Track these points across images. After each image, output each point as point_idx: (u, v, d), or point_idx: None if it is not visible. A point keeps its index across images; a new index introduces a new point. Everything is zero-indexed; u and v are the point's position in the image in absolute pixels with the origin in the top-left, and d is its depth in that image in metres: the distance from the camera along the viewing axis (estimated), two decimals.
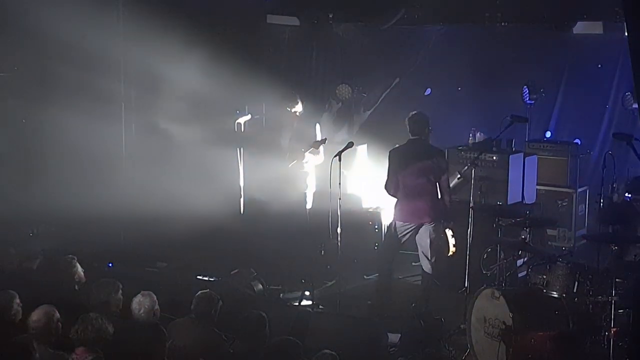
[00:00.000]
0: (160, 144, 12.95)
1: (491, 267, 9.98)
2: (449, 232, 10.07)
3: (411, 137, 9.93)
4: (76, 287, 8.40)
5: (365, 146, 12.74)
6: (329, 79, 14.66)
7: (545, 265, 8.42)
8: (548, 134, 13.14)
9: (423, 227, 9.81)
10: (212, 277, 10.69)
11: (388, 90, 14.05)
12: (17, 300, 7.33)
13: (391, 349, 8.73)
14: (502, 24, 12.81)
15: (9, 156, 11.40)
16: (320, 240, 10.99)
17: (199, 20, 12.66)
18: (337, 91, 14.07)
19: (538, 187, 11.52)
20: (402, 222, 9.87)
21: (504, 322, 7.87)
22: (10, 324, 7.18)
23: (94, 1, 11.75)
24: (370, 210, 12.08)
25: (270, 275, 10.59)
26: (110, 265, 10.91)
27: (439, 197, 9.78)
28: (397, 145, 10.17)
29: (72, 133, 11.56)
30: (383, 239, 10.38)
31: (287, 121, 11.59)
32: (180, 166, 12.74)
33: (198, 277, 10.75)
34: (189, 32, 12.15)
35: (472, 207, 9.45)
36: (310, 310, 9.88)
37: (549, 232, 11.51)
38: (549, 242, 11.45)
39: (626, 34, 5.88)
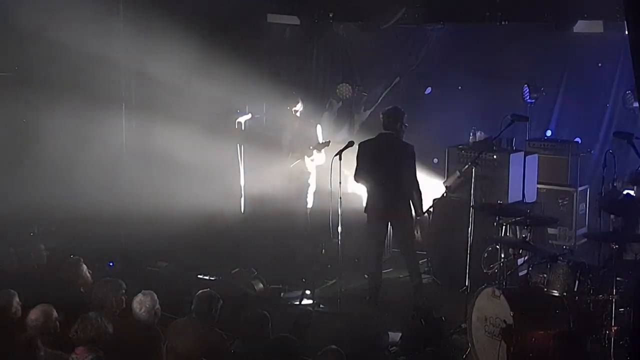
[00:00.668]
0: (161, 144, 12.94)
1: (492, 266, 9.98)
2: (419, 227, 10.21)
3: (383, 131, 10.03)
4: (82, 289, 8.39)
5: (358, 144, 12.72)
6: (329, 78, 14.67)
7: (545, 264, 8.43)
8: (549, 133, 13.13)
9: (394, 222, 9.93)
10: (212, 276, 10.70)
11: (389, 89, 14.05)
12: (17, 299, 7.33)
13: (392, 348, 8.72)
14: (503, 22, 12.83)
15: (9, 156, 11.38)
16: (320, 239, 11.01)
17: (199, 19, 12.66)
18: (337, 90, 14.08)
19: (539, 186, 11.52)
20: (374, 220, 10.02)
21: (504, 321, 7.86)
22: (10, 323, 7.17)
23: (95, 1, 11.75)
24: None
25: (270, 275, 10.60)
26: (110, 264, 10.91)
27: (408, 191, 9.89)
28: (367, 139, 10.28)
29: (72, 133, 11.56)
30: (367, 239, 10.43)
31: (288, 121, 11.59)
32: (180, 165, 12.74)
33: (199, 276, 10.76)
34: (190, 31, 12.15)
35: (472, 206, 9.45)
36: (311, 309, 9.89)
37: (550, 231, 11.50)
38: (550, 241, 11.45)
39: (627, 32, 5.88)
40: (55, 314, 7.02)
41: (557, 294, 8.17)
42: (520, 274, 9.30)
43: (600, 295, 8.05)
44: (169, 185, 12.52)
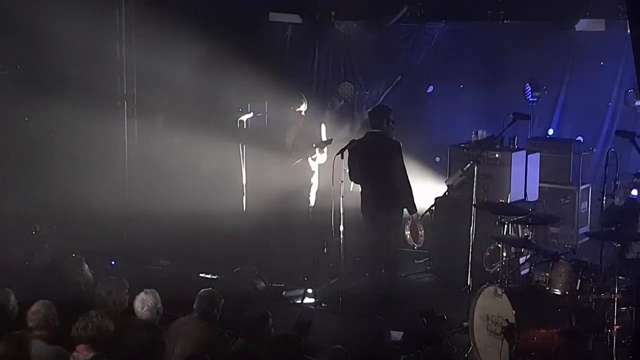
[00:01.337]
0: (163, 142, 12.95)
1: (494, 264, 9.98)
2: (410, 225, 10.21)
3: (370, 130, 10.11)
4: (82, 287, 8.40)
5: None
6: (331, 76, 14.67)
7: (547, 263, 8.42)
8: (550, 132, 13.11)
9: (384, 219, 9.99)
10: (214, 275, 10.71)
11: (390, 87, 14.03)
12: (13, 297, 7.34)
13: (394, 347, 8.72)
14: (505, 21, 12.82)
15: (12, 154, 11.39)
16: (322, 238, 10.99)
17: (201, 18, 12.66)
18: (339, 89, 14.06)
19: (541, 184, 11.50)
20: (368, 219, 10.09)
21: (506, 320, 7.86)
22: (7, 321, 7.18)
23: (96, 0, 11.77)
24: None
25: (272, 273, 10.61)
26: (113, 263, 10.92)
27: (397, 188, 9.93)
28: (355, 138, 10.33)
29: (74, 131, 11.57)
30: (365, 238, 10.49)
31: (293, 120, 11.58)
32: (182, 164, 12.74)
33: (200, 275, 10.77)
34: (191, 29, 12.15)
35: (474, 205, 9.45)
36: (313, 308, 9.89)
37: (552, 229, 11.49)
38: (552, 240, 11.44)
39: (629, 31, 5.88)
40: (54, 309, 7.02)
41: (559, 293, 8.16)
42: (522, 272, 9.30)
43: (603, 294, 8.04)
44: (171, 184, 12.53)
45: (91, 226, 11.33)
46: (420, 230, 10.62)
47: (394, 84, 14.04)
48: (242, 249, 11.44)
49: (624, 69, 12.60)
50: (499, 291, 8.08)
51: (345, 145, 9.88)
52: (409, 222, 10.73)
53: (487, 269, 10.17)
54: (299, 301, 10.20)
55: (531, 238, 8.77)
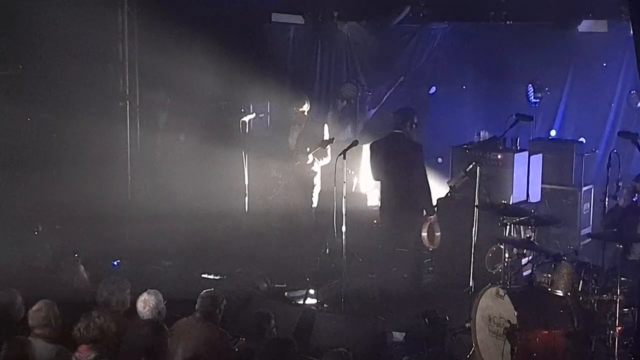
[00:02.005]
0: (165, 142, 12.96)
1: (496, 265, 9.99)
2: (427, 226, 10.26)
3: (392, 131, 10.21)
4: (77, 286, 8.41)
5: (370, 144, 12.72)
6: (333, 77, 14.67)
7: (550, 264, 8.41)
8: (553, 133, 13.11)
9: (404, 220, 10.15)
10: (216, 276, 10.71)
11: (393, 88, 14.04)
12: (20, 298, 7.35)
13: (396, 348, 8.73)
14: (507, 22, 12.83)
15: (14, 154, 11.39)
16: (325, 239, 11.00)
17: (204, 18, 12.66)
18: (342, 90, 14.07)
19: (543, 185, 11.51)
20: (387, 219, 10.30)
21: (508, 321, 7.86)
22: (13, 323, 7.18)
23: (98, 0, 11.77)
24: (375, 208, 12.08)
25: (274, 274, 10.60)
26: (115, 263, 10.93)
27: (415, 190, 10.06)
28: (378, 138, 10.50)
29: (76, 131, 11.56)
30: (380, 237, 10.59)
31: (296, 120, 11.58)
32: (185, 164, 12.75)
33: (203, 275, 10.77)
34: (194, 30, 12.15)
35: (476, 206, 9.44)
36: (315, 309, 9.88)
37: (554, 230, 11.48)
38: (554, 241, 11.44)
39: (631, 32, 5.88)
40: (56, 309, 7.03)
41: (561, 294, 8.16)
42: (525, 273, 9.31)
43: (605, 295, 8.03)
44: (173, 184, 12.53)
45: (93, 226, 11.32)
46: (437, 232, 10.64)
47: (396, 84, 14.04)
48: (245, 250, 11.44)
49: (626, 70, 12.61)
50: (501, 292, 8.07)
51: (348, 146, 9.88)
52: (426, 223, 10.76)
53: (489, 270, 10.18)
54: (301, 302, 10.19)
55: (533, 239, 8.76)
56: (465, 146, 11.19)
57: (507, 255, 8.92)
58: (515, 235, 9.52)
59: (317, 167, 11.48)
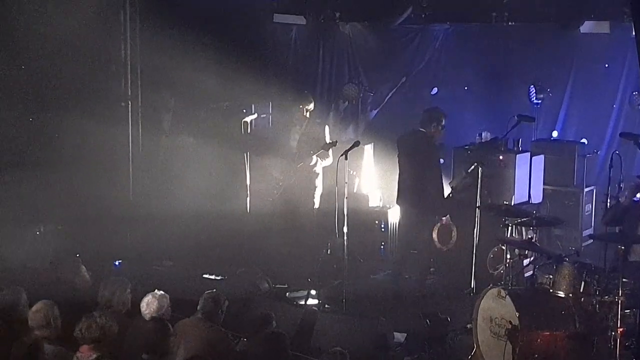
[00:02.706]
0: (167, 143, 12.96)
1: (497, 266, 9.99)
2: (438, 227, 10.33)
3: (417, 128, 10.35)
4: (79, 286, 8.41)
5: (371, 145, 12.74)
6: (335, 78, 14.66)
7: (551, 265, 8.41)
8: (555, 134, 13.10)
9: (418, 217, 10.33)
10: (218, 276, 10.71)
11: (395, 89, 14.04)
12: (25, 296, 7.36)
13: (397, 348, 8.73)
14: (509, 23, 12.82)
15: (16, 155, 11.40)
16: (326, 239, 11.00)
17: (206, 19, 12.66)
18: (344, 90, 14.07)
19: (545, 186, 11.51)
20: (404, 212, 10.52)
21: (510, 322, 7.85)
22: (17, 321, 7.19)
23: (100, 0, 11.77)
24: (376, 209, 12.10)
25: (276, 274, 10.61)
26: (116, 263, 10.93)
27: (429, 190, 10.14)
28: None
29: (79, 132, 11.56)
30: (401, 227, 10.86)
31: (297, 121, 11.58)
32: (186, 165, 12.75)
33: (204, 276, 10.77)
34: (196, 30, 12.16)
35: (478, 207, 9.45)
36: (317, 309, 9.88)
37: (556, 231, 11.49)
38: (556, 242, 11.44)
39: (633, 33, 5.88)
40: (56, 309, 7.03)
41: (562, 295, 8.15)
42: (526, 274, 9.30)
43: (606, 297, 8.02)
44: (175, 185, 12.53)
45: (95, 227, 11.32)
46: (453, 233, 10.67)
47: (398, 85, 14.04)
48: (246, 250, 11.44)
49: (628, 71, 12.59)
50: (503, 293, 8.07)
51: (350, 146, 9.87)
52: (439, 224, 10.77)
53: (490, 271, 10.17)
54: (303, 302, 10.20)
55: (535, 240, 8.77)
56: (467, 147, 11.19)
57: (508, 256, 8.92)
58: (516, 236, 9.53)
59: (319, 169, 11.49)
